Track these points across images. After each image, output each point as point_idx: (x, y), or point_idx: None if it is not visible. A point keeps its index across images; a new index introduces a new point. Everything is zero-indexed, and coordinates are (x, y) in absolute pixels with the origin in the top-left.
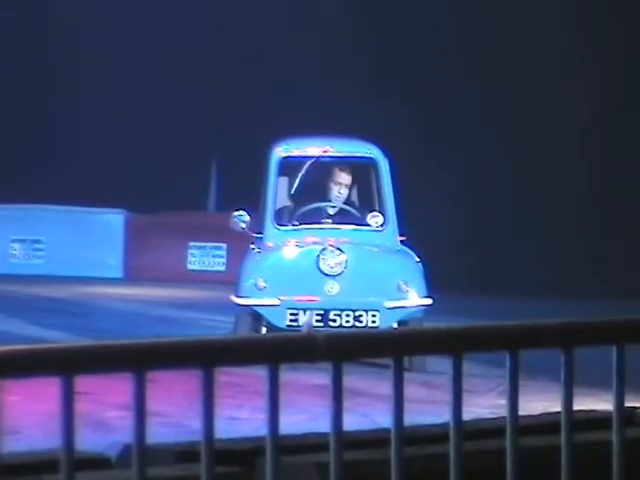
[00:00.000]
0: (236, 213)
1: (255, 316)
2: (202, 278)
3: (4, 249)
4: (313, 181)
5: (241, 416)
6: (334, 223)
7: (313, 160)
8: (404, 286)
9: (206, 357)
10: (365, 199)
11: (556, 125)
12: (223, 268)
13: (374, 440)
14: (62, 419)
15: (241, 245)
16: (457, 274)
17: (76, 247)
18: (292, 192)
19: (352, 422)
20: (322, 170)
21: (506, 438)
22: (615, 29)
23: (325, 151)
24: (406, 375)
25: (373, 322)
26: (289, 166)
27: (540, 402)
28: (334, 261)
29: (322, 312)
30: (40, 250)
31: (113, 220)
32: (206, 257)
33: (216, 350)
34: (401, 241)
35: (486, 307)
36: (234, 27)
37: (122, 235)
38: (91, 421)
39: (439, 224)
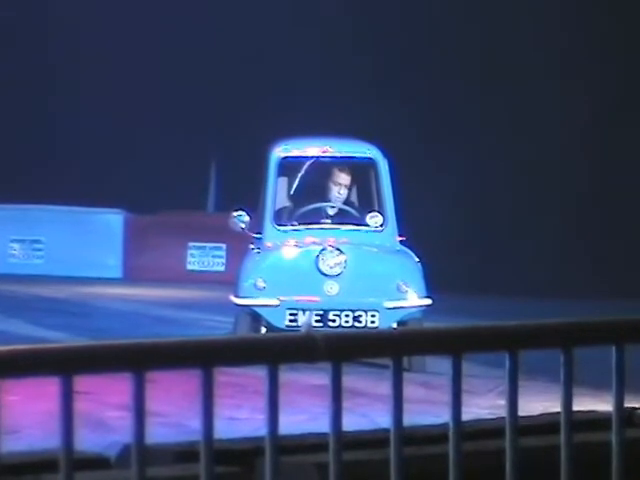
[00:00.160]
0: (235, 213)
1: (254, 316)
2: (201, 278)
3: (4, 249)
4: (312, 181)
5: (240, 416)
6: (333, 223)
7: (312, 160)
8: (403, 286)
9: (205, 357)
10: (364, 199)
11: (556, 125)
12: (222, 268)
13: (373, 440)
14: (61, 419)
15: (240, 245)
16: (457, 274)
17: (75, 247)
18: (291, 192)
19: (351, 422)
20: (321, 170)
21: (505, 438)
22: (615, 29)
23: (324, 151)
24: (405, 375)
25: (372, 322)
26: (288, 166)
27: (540, 402)
28: (333, 261)
29: (321, 312)
30: (40, 250)
31: (112, 220)
32: (205, 257)
33: (215, 350)
34: (400, 241)
35: (485, 307)
36: (234, 27)
37: (121, 235)
38: (90, 421)
39: (439, 224)
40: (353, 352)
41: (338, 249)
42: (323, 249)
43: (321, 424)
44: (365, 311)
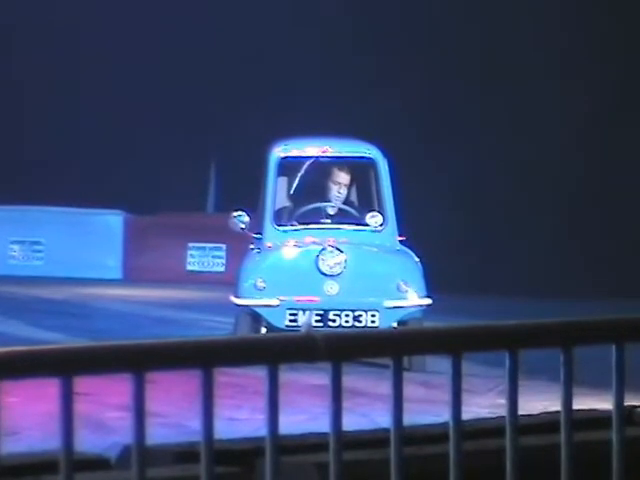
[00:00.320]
0: (235, 214)
1: (254, 316)
2: (201, 279)
3: (3, 250)
4: (312, 181)
5: (240, 416)
6: (333, 223)
7: (312, 160)
8: (403, 286)
9: (205, 357)
10: (364, 199)
11: (556, 125)
12: (222, 269)
13: (373, 440)
14: (61, 420)
15: (240, 246)
16: (457, 274)
17: (75, 248)
18: (291, 192)
19: (351, 422)
20: (321, 170)
21: (506, 438)
22: (615, 29)
23: (324, 151)
24: (405, 375)
25: (372, 322)
26: (288, 166)
27: (540, 402)
28: (333, 261)
29: (321, 312)
30: (39, 251)
31: (112, 221)
32: (205, 258)
33: (215, 350)
34: (400, 241)
35: (485, 307)
36: (234, 27)
37: (121, 236)
38: (90, 422)
39: (439, 224)
40: (353, 352)
41: (338, 249)
42: (323, 249)
43: (321, 424)
44: (365, 311)
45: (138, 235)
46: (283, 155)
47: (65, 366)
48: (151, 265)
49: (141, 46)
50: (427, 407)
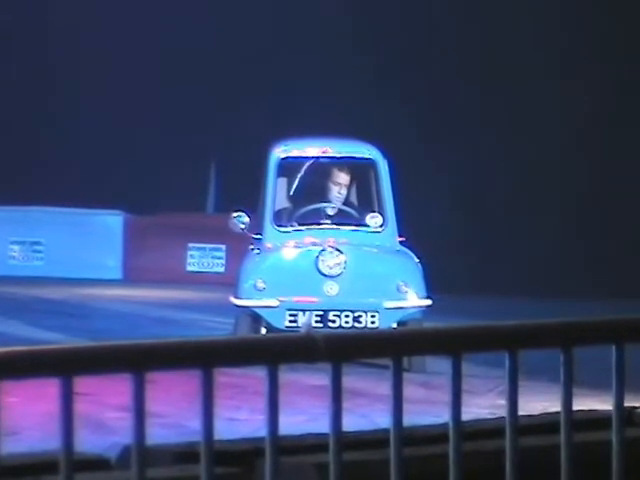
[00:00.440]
0: (235, 214)
1: (254, 317)
2: (201, 279)
3: (3, 251)
4: (312, 182)
5: (240, 417)
6: (333, 224)
7: (312, 161)
8: (403, 287)
9: (205, 358)
10: (364, 200)
11: (556, 125)
12: (222, 269)
13: (373, 441)
14: (61, 420)
15: (240, 246)
16: (457, 274)
17: (75, 249)
18: (291, 193)
19: (351, 423)
20: (321, 171)
21: (505, 438)
22: (615, 29)
23: (324, 152)
24: (405, 375)
25: (372, 323)
26: (288, 167)
27: (539, 402)
28: (333, 262)
29: (321, 313)
30: (39, 252)
31: (112, 221)
32: (205, 258)
33: (215, 351)
34: (400, 242)
35: (485, 307)
36: (234, 27)
37: (121, 236)
38: (90, 422)
39: (439, 224)
40: (353, 352)
41: (338, 250)
42: (323, 250)
43: (321, 425)
44: (365, 311)
45: (138, 235)
46: (283, 156)
47: (65, 366)
48: (151, 265)
49: (141, 46)
50: (427, 408)
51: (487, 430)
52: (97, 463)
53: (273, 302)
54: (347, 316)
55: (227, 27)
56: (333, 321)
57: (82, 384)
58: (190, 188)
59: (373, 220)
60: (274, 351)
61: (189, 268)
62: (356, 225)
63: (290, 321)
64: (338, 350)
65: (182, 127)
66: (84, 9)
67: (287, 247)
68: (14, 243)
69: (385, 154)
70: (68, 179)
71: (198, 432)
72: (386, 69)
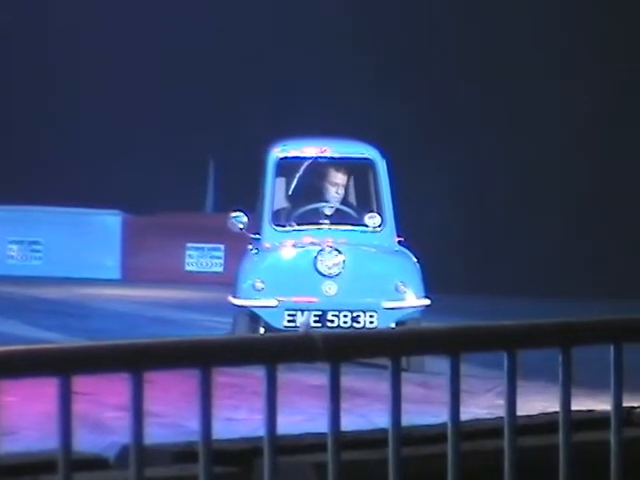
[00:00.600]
0: (234, 214)
1: (253, 317)
2: (200, 279)
3: (2, 250)
4: (311, 182)
5: (239, 417)
6: (332, 223)
7: (311, 161)
8: (402, 287)
9: (204, 357)
10: (363, 200)
11: (556, 125)
12: (221, 269)
13: (372, 440)
14: (60, 420)
15: (239, 246)
16: (456, 274)
17: (74, 248)
18: (290, 193)
19: (350, 422)
20: (320, 171)
21: (504, 438)
22: (615, 29)
23: (323, 152)
24: (404, 375)
25: (371, 323)
26: (287, 167)
27: (538, 402)
28: (332, 262)
29: (320, 313)
30: (38, 251)
31: (110, 221)
32: (204, 258)
33: (214, 350)
34: (399, 242)
35: (484, 307)
36: (234, 27)
37: (120, 236)
38: (89, 422)
39: (439, 224)
40: (352, 352)
41: (336, 249)
42: (321, 250)
43: (319, 424)
44: (363, 311)
45: (136, 235)
46: (282, 156)
47: (63, 366)
48: (149, 265)
49: (141, 46)
50: (425, 408)
51: (485, 430)
52: (95, 463)
53: (272, 302)
54: (345, 316)
55: (227, 27)
56: (332, 321)
57: (80, 384)
58: (189, 188)
59: (371, 220)
60: (273, 351)
61: (188, 268)
62: (355, 225)
63: (289, 321)
64: (336, 350)
65: (181, 127)
66: (84, 9)
67: (286, 247)
68: (12, 243)
69: (384, 154)
70: (66, 179)
71: (196, 432)
72: (386, 69)
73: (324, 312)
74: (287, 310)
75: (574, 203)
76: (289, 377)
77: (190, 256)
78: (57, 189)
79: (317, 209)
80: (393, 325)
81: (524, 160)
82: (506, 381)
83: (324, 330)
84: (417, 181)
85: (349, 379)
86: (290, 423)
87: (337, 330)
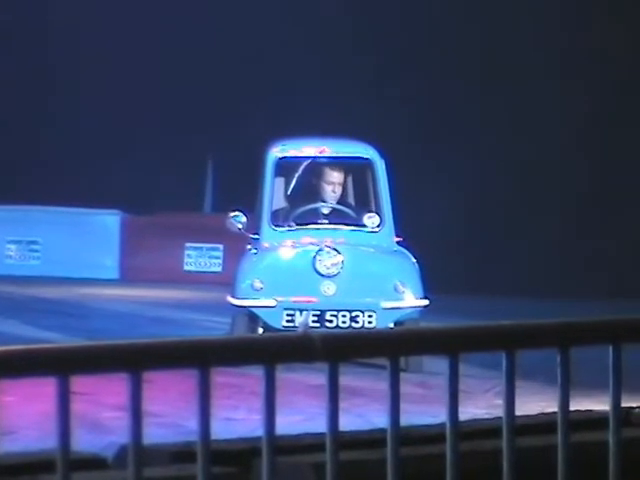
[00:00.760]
0: (232, 214)
1: (251, 317)
2: (198, 279)
3: (0, 250)
4: (310, 182)
5: (237, 417)
6: (330, 223)
7: (310, 161)
8: (401, 287)
9: (202, 357)
10: (361, 200)
11: (556, 125)
12: (220, 269)
13: (370, 440)
14: (58, 419)
15: (238, 246)
16: (456, 274)
17: (72, 248)
18: (289, 193)
19: (348, 422)
20: (319, 171)
21: (502, 438)
22: (615, 29)
23: (322, 152)
24: (402, 375)
25: (369, 323)
26: (286, 167)
27: (536, 402)
28: (330, 262)
29: (318, 313)
30: (36, 251)
31: (109, 221)
32: (202, 258)
33: (212, 350)
34: (397, 242)
35: (484, 307)
36: (234, 27)
37: (118, 236)
38: (87, 422)
39: (439, 224)
40: (350, 352)
41: (335, 249)
42: (320, 249)
43: (318, 424)
44: (362, 311)
45: (135, 235)
46: (280, 155)
47: (62, 365)
48: (148, 265)
49: (140, 46)
50: (424, 408)
51: (484, 430)
52: (94, 462)
53: (270, 302)
54: (344, 316)
55: (226, 27)
56: (330, 321)
57: (79, 383)
58: (187, 188)
59: (370, 220)
60: (271, 351)
61: (186, 268)
62: (353, 225)
63: (287, 321)
64: (335, 350)
65: (180, 127)
66: (84, 9)
67: (284, 247)
68: (11, 242)
69: (382, 154)
70: (65, 179)
71: (195, 432)
72: (386, 69)
73: (323, 312)
74: (286, 310)
75: (574, 203)
76: (288, 377)
77: (189, 256)
78: (56, 189)
79: (316, 209)
80: (392, 325)
81: (524, 160)
82: (505, 381)
83: (323, 330)
84: (417, 181)
85: (348, 379)
86: (289, 423)
87: (336, 330)
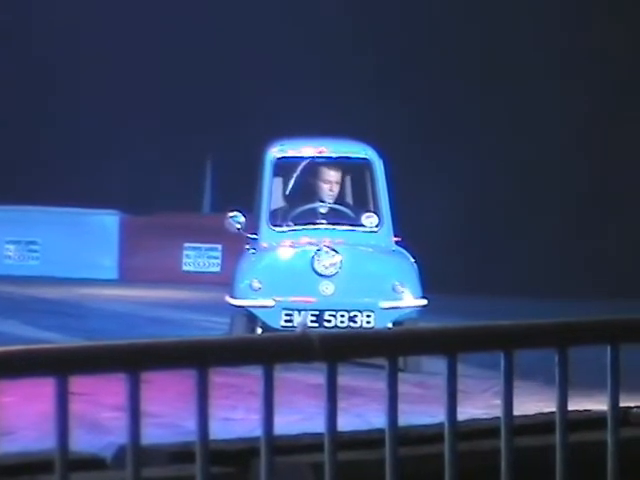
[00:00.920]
0: (231, 214)
1: (250, 317)
2: (197, 279)
3: None
4: (308, 182)
5: (236, 417)
6: (328, 222)
7: (308, 161)
8: (399, 287)
9: (201, 357)
10: (360, 200)
11: (556, 125)
12: (218, 269)
13: (368, 440)
14: (57, 420)
15: (236, 246)
16: (456, 274)
17: (71, 248)
18: (287, 193)
19: (346, 422)
20: (316, 170)
21: (501, 438)
22: (615, 29)
23: (320, 152)
24: (400, 375)
25: (368, 322)
26: (284, 167)
27: (534, 402)
28: (329, 262)
29: (317, 313)
30: (35, 251)
31: (108, 221)
32: (201, 258)
33: (211, 350)
34: (396, 242)
35: (483, 307)
36: (233, 26)
37: (117, 236)
38: (86, 422)
39: (438, 224)
40: (349, 352)
41: (333, 249)
42: (318, 249)
43: (316, 424)
44: (361, 311)
45: (134, 235)
46: (279, 155)
47: (60, 366)
48: (147, 265)
49: (140, 46)
50: (422, 408)
51: (482, 430)
52: (92, 463)
53: (269, 302)
54: (343, 316)
55: (226, 27)
56: (329, 321)
57: (77, 384)
58: (186, 188)
59: (369, 220)
60: (270, 351)
61: (185, 268)
62: (352, 225)
63: (286, 321)
64: (333, 350)
65: (179, 127)
66: (84, 9)
67: (283, 247)
68: (10, 243)
69: (382, 154)
70: (64, 179)
71: (193, 432)
72: (386, 69)
73: (321, 312)
74: (284, 310)
75: (574, 203)
76: (286, 377)
77: (187, 256)
78: (54, 189)
79: (314, 209)
80: (390, 325)
81: (524, 160)
82: (503, 381)
83: (321, 330)
84: (417, 181)
85: (346, 379)
86: (287, 423)
87: (334, 330)
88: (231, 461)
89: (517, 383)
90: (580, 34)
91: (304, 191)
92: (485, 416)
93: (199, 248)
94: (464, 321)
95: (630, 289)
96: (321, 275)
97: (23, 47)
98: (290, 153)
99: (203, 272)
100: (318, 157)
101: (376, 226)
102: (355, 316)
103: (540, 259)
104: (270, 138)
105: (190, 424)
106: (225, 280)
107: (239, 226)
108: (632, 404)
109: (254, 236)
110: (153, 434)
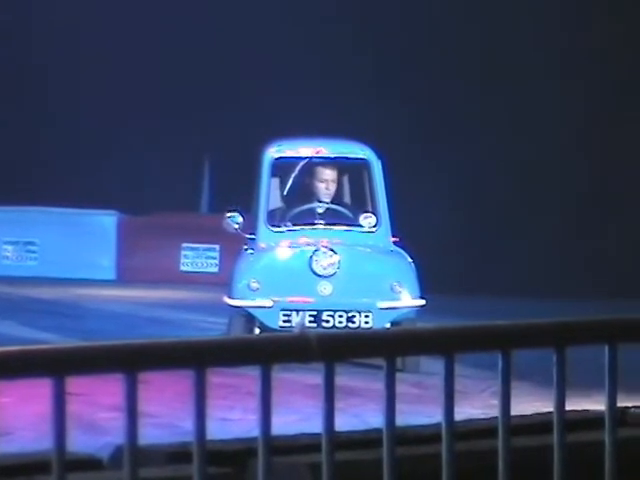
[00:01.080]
0: (229, 214)
1: (248, 317)
2: (195, 279)
3: None
4: (306, 182)
5: (233, 417)
6: (326, 223)
7: (306, 161)
8: (397, 287)
9: (198, 358)
10: (358, 200)
11: (556, 125)
12: (216, 269)
13: (366, 441)
14: (54, 420)
15: (234, 246)
16: (456, 274)
17: (69, 249)
18: (285, 193)
19: (344, 422)
20: (312, 170)
21: (498, 438)
22: (615, 29)
23: (318, 152)
24: (398, 375)
25: (366, 323)
26: (282, 167)
27: (532, 403)
28: (327, 262)
29: (315, 313)
30: (33, 252)
31: (106, 222)
32: (199, 258)
33: (208, 351)
34: (394, 242)
35: (483, 307)
36: (233, 26)
37: (115, 237)
38: (83, 422)
39: (438, 224)
40: (346, 352)
41: (332, 250)
42: (316, 250)
43: (314, 424)
44: (359, 311)
45: (132, 235)
46: (277, 156)
47: (58, 366)
48: (145, 265)
49: (139, 46)
50: (420, 408)
51: (480, 430)
52: (89, 463)
53: (267, 302)
54: (341, 316)
55: (226, 27)
56: (327, 321)
57: (75, 384)
58: (184, 188)
59: (367, 220)
60: (268, 351)
61: (183, 268)
62: (350, 225)
63: (284, 321)
64: (331, 350)
65: (177, 127)
66: (84, 9)
67: (281, 247)
68: (8, 243)
69: (382, 154)
70: (62, 179)
71: (191, 432)
72: (386, 69)
73: (319, 312)
74: (282, 310)
75: (574, 203)
76: (284, 377)
77: (185, 256)
78: (52, 189)
79: (312, 209)
80: (388, 325)
81: (524, 160)
82: (500, 381)
83: (319, 330)
84: (417, 181)
85: (344, 379)
86: (285, 423)
87: (332, 330)
88: (228, 461)
89: (515, 383)
90: (580, 34)
91: (302, 191)
92: (483, 416)
93: (197, 248)
94: (463, 321)
95: (630, 289)
96: (319, 275)
97: (23, 47)
98: (288, 153)
99: (201, 272)
100: (316, 157)
101: (374, 226)
102: (353, 316)
103: (540, 259)
104: (269, 138)
105: (187, 424)
106: (223, 280)
107: (237, 226)
108: (630, 404)
109: (252, 236)
110: (150, 434)
